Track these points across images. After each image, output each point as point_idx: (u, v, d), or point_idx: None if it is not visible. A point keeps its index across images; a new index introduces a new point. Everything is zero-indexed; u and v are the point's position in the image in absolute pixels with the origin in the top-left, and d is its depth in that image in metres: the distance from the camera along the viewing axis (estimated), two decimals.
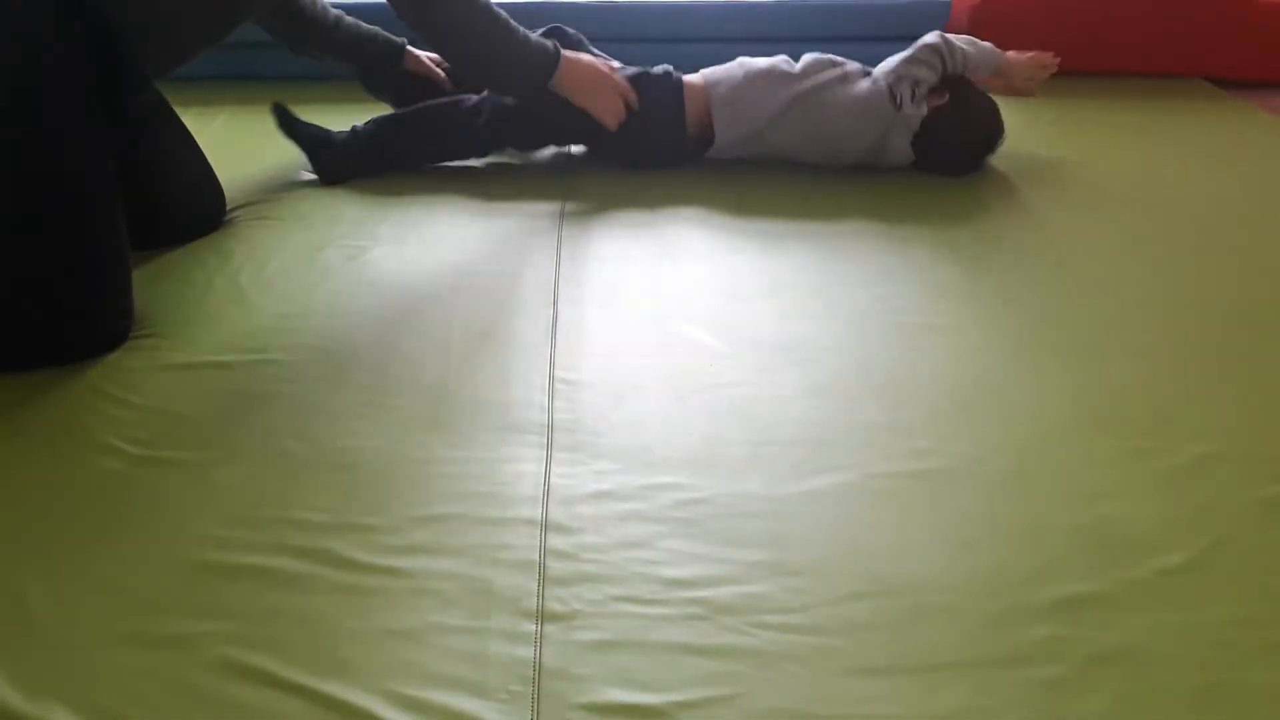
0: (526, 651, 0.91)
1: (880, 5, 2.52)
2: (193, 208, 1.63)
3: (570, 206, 1.79)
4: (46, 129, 1.26)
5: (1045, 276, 1.58)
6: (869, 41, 2.52)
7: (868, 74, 1.94)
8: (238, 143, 2.00)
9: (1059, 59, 1.99)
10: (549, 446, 1.18)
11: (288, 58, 2.29)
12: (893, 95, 1.87)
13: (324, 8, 1.86)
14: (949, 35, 1.92)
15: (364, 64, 1.93)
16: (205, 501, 1.08)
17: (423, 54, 2.00)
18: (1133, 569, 1.01)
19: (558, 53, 1.64)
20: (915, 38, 2.49)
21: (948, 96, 1.90)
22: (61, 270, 1.27)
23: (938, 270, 1.59)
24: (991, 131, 1.95)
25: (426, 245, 1.64)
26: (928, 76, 1.89)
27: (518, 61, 1.62)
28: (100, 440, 1.17)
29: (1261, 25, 2.57)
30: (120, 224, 1.33)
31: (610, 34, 2.48)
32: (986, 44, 1.96)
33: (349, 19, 1.90)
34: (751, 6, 2.51)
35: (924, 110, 1.88)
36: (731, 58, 2.17)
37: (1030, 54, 1.99)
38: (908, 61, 1.89)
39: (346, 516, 1.06)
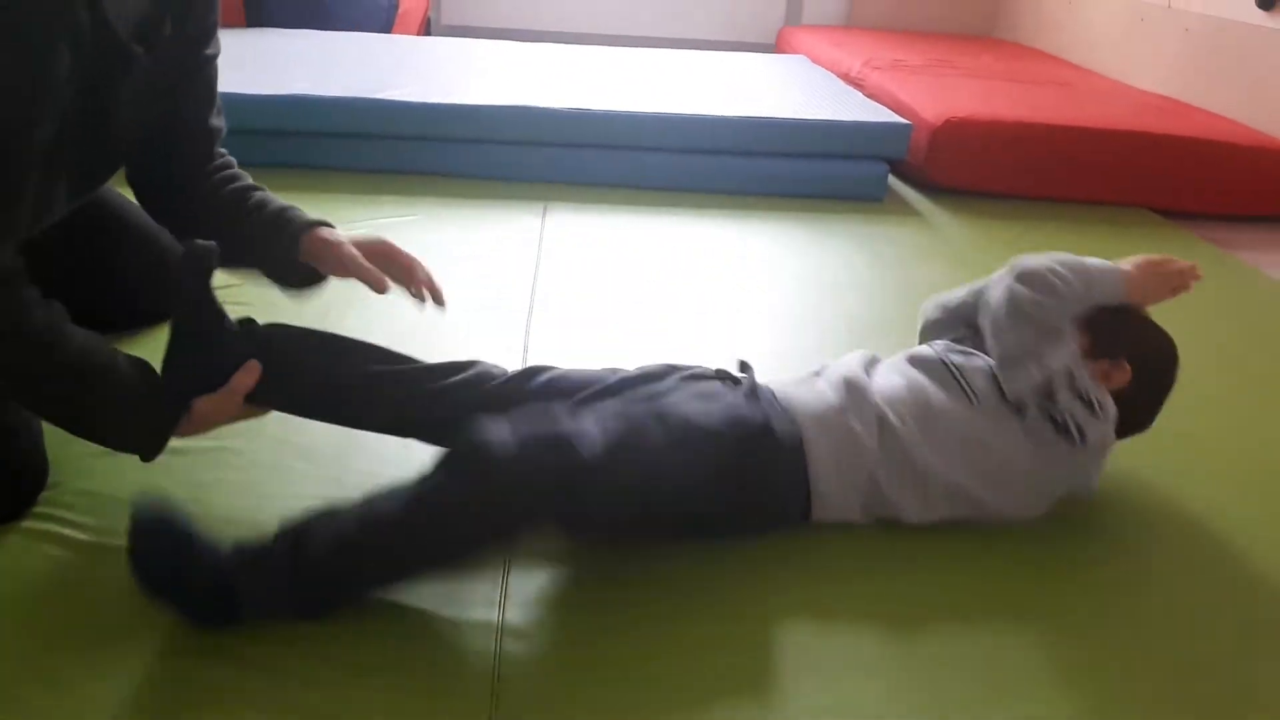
0: None
1: (842, 124, 2.59)
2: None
3: (534, 333, 1.80)
4: None
5: None
6: (832, 159, 2.59)
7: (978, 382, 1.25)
8: None
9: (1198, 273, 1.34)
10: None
11: (282, 145, 2.29)
12: (1057, 425, 1.21)
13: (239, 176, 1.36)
14: (1028, 264, 1.26)
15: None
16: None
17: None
18: None
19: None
20: (879, 157, 2.44)
21: (1129, 369, 1.25)
22: None
23: None
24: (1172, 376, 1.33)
25: (392, 338, 1.63)
26: (1060, 364, 1.21)
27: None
28: (43, 528, 1.13)
29: (1202, 162, 2.70)
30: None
31: (567, 140, 2.53)
32: (1092, 260, 1.29)
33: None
34: (716, 121, 2.56)
35: (1109, 413, 1.23)
36: (696, 169, 2.10)
37: (1160, 260, 1.33)
38: (1021, 350, 1.22)
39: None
